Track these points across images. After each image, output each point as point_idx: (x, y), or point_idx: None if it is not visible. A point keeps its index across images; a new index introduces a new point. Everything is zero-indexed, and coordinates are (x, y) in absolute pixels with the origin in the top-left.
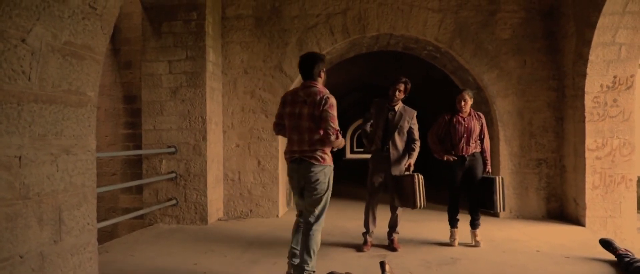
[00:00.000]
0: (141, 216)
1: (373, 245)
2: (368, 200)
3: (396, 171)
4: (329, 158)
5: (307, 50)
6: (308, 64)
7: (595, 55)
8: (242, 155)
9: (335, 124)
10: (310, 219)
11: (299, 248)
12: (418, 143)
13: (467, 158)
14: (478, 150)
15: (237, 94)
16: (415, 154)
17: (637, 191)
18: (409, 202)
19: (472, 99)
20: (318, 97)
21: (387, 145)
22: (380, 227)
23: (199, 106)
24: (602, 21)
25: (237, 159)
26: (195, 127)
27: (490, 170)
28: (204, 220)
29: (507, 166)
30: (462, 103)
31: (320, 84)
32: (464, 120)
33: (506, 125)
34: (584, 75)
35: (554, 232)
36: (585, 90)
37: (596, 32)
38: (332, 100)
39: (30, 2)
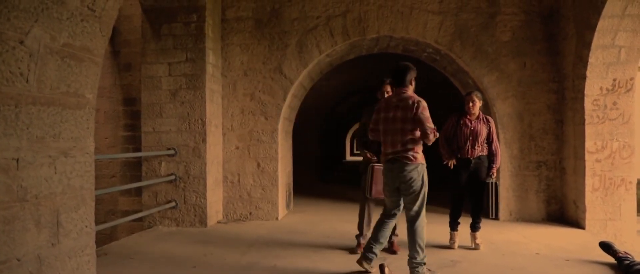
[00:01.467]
0: (140, 219)
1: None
2: (363, 202)
3: None
4: (420, 157)
5: (307, 53)
6: (401, 73)
7: (595, 58)
8: (241, 157)
9: (430, 124)
10: (411, 214)
11: (375, 244)
12: None
13: (473, 161)
14: (485, 153)
15: (236, 96)
16: None
17: (637, 194)
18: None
19: (481, 101)
20: (410, 102)
21: None
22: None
23: (198, 108)
24: (602, 24)
25: (236, 161)
26: (195, 129)
27: (494, 175)
28: (203, 222)
29: (507, 169)
30: (471, 104)
31: (410, 91)
32: (471, 123)
33: (506, 127)
34: (583, 78)
35: (553, 235)
36: (585, 92)
37: (596, 34)
38: (424, 103)
39: (28, 4)
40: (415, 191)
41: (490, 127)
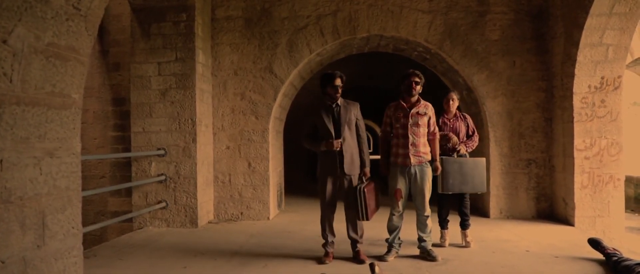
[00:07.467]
0: (130, 220)
1: (335, 257)
2: (322, 208)
3: (350, 172)
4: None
5: (298, 52)
6: None
7: (583, 56)
8: (232, 157)
9: None
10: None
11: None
12: (365, 140)
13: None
14: (464, 150)
15: (227, 96)
16: (368, 160)
17: (625, 191)
18: (357, 214)
19: (459, 100)
20: None
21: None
22: (369, 229)
23: (188, 108)
24: (590, 22)
25: (227, 161)
26: (185, 129)
27: (462, 148)
28: (194, 222)
29: (497, 167)
30: (450, 102)
31: None
32: (449, 121)
33: (496, 125)
34: (572, 76)
35: (543, 232)
36: (574, 90)
37: (584, 33)
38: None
39: (11, 2)
40: None
41: (468, 124)
